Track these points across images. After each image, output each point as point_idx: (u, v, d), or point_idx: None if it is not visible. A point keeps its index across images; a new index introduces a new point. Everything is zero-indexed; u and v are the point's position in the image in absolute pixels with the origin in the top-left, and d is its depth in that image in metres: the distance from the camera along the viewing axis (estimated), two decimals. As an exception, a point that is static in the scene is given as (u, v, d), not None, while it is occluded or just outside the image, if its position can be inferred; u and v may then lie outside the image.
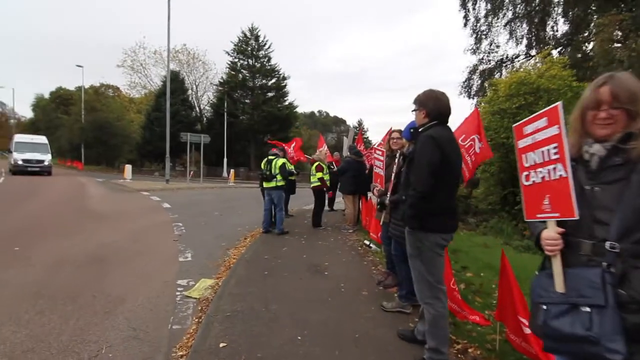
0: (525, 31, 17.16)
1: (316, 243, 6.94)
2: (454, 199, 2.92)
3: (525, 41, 17.43)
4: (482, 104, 9.96)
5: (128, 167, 23.77)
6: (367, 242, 6.46)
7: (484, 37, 16.87)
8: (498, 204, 9.39)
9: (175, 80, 38.78)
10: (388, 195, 3.61)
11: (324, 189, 8.46)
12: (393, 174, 3.66)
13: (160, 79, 40.38)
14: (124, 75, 53.64)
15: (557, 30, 17.90)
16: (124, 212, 10.75)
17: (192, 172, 31.17)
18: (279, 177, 7.56)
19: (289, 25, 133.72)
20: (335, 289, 4.37)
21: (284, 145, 9.42)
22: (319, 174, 8.36)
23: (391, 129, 4.92)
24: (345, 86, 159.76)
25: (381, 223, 3.91)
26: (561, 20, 17.72)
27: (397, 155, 3.97)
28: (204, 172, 39.46)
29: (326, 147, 9.18)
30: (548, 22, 17.98)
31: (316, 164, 8.46)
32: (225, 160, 34.80)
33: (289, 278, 4.77)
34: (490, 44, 16.93)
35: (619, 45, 9.12)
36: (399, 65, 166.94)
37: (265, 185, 7.70)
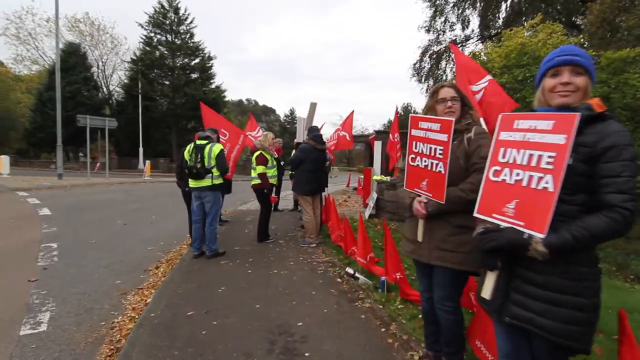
0: (475, 15, 16.32)
1: (271, 273, 4.58)
2: None
3: (472, 25, 16.61)
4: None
5: (4, 159, 18.56)
6: (350, 271, 4.29)
7: (438, 13, 15.54)
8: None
9: (75, 55, 32.68)
10: (537, 237, 1.38)
11: (265, 190, 5.99)
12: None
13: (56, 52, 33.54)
14: (6, 47, 44.50)
15: (499, 16, 17.37)
16: (-32, 227, 7.20)
17: (97, 164, 26.27)
18: (215, 171, 5.03)
19: (213, 4, 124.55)
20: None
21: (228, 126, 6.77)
22: (261, 168, 5.90)
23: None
24: (275, 75, 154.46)
25: (488, 295, 1.66)
26: (503, 6, 17.24)
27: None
28: (115, 164, 34.25)
29: (270, 134, 6.55)
30: (491, 8, 17.41)
31: (257, 153, 5.98)
32: (141, 149, 30.04)
33: (238, 378, 2.39)
34: (445, 22, 15.73)
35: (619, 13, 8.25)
36: (331, 55, 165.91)
37: (193, 184, 5.10)
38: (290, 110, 67.44)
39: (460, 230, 2.09)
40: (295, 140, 7.29)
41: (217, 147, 5.05)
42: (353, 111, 9.13)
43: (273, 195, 6.22)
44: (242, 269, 4.72)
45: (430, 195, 2.10)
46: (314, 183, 5.85)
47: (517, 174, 1.49)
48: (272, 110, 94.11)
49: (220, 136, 6.29)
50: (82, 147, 37.35)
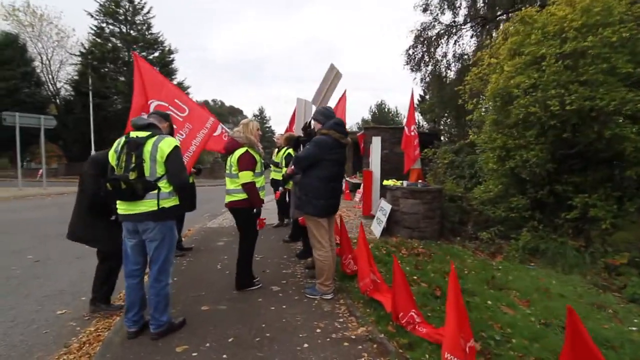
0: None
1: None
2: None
3: (463, 11, 14.88)
4: (494, 59, 6.44)
5: None
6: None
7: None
8: (527, 210, 6.06)
9: (12, 47, 28.68)
10: None
11: (254, 210, 3.81)
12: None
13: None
14: None
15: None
16: None
17: (39, 172, 22.75)
18: (165, 185, 2.82)
19: (172, 1, 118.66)
20: None
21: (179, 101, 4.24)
22: (247, 175, 3.70)
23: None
24: (240, 75, 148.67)
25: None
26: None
27: None
28: (63, 170, 30.61)
29: (255, 122, 4.16)
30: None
31: (240, 152, 3.77)
32: (92, 154, 26.54)
33: None
34: (443, 1, 13.83)
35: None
36: (299, 54, 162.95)
37: (124, 209, 2.82)
38: (260, 109, 64.71)
39: None
40: (288, 133, 5.08)
41: (166, 143, 2.80)
42: (345, 91, 6.90)
43: (259, 217, 4.02)
44: (217, 370, 2.51)
45: None
46: (332, 197, 3.69)
47: None
48: (240, 111, 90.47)
49: (176, 111, 3.99)
50: (26, 152, 33.20)
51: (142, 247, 2.93)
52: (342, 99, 6.41)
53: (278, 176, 6.98)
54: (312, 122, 3.84)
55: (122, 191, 2.69)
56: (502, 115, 6.08)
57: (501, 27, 9.87)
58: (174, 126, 4.25)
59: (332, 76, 4.26)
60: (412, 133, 7.13)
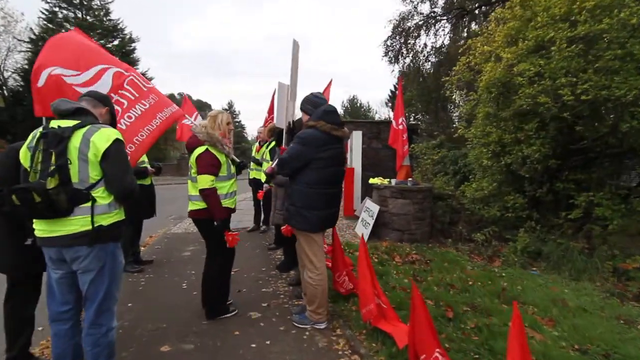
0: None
1: None
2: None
3: (441, 1, 14.51)
4: (483, 46, 5.95)
5: None
6: None
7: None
8: (523, 210, 5.65)
9: (-51, 31, 25.73)
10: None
11: (215, 222, 2.98)
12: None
13: None
14: None
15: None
16: None
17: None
18: (102, 195, 2.03)
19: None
20: None
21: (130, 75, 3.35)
22: (207, 180, 2.93)
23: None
24: (207, 69, 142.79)
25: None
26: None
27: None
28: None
29: (225, 114, 3.38)
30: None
31: (200, 150, 3.01)
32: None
33: None
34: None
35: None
36: (269, 50, 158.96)
37: (43, 231, 1.99)
38: (229, 103, 62.66)
39: None
40: (271, 124, 4.32)
41: (102, 136, 1.99)
42: (331, 80, 6.37)
43: (230, 231, 3.22)
44: None
45: None
46: (328, 207, 2.98)
47: None
48: (208, 105, 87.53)
49: (140, 80, 3.29)
50: (-32, 148, 30.26)
51: (72, 280, 2.13)
52: (327, 88, 5.78)
53: (260, 175, 6.17)
54: (301, 114, 3.13)
55: (36, 206, 1.87)
56: (500, 107, 5.61)
57: (474, 22, 9.50)
58: (129, 98, 3.40)
59: (296, 52, 3.60)
60: (401, 126, 6.55)
